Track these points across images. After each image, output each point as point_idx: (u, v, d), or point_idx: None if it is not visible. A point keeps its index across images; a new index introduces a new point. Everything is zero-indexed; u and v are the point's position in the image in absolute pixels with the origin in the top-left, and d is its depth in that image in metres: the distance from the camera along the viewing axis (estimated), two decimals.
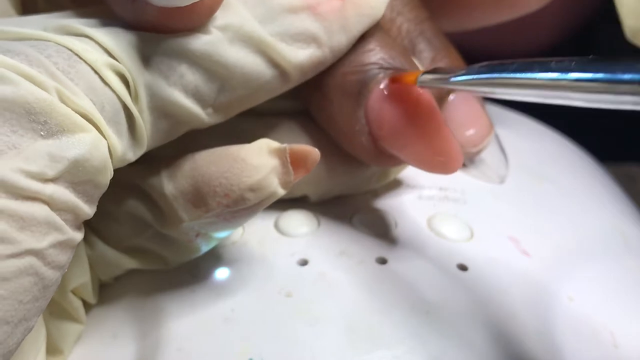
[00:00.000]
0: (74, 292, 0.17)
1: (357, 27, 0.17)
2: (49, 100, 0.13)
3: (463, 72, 0.15)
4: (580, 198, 0.23)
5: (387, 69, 0.17)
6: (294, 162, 0.15)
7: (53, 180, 0.13)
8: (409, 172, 0.21)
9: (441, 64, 0.21)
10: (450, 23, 0.26)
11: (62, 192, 0.13)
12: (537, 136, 0.26)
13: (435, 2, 0.24)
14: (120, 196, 0.17)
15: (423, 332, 0.16)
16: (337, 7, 0.16)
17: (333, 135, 0.18)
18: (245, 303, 0.17)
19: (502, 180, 0.21)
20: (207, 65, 0.15)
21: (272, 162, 0.15)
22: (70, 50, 0.14)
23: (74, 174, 0.13)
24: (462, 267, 0.18)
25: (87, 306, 0.18)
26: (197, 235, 0.17)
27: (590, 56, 0.12)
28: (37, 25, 0.14)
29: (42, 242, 0.12)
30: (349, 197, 0.20)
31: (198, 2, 0.14)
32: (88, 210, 0.14)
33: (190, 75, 0.15)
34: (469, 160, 0.21)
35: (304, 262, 0.18)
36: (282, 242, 0.18)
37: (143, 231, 0.17)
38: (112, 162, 0.14)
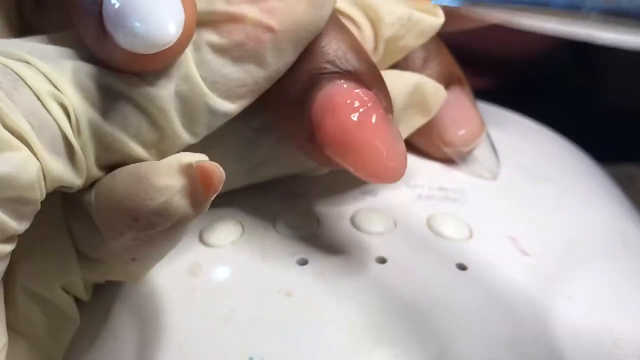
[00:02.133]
0: (65, 289, 0.17)
1: (295, 51, 0.16)
2: None
3: None
4: (580, 198, 0.23)
5: (332, 73, 0.16)
6: (203, 180, 0.13)
7: None
8: (409, 172, 0.21)
9: (432, 64, 0.21)
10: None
11: None
12: (536, 136, 0.26)
13: None
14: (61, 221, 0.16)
15: (423, 331, 0.16)
16: (268, 39, 0.15)
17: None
18: (245, 303, 0.17)
19: (494, 177, 0.21)
20: (150, 111, 0.15)
21: (180, 183, 0.13)
22: (17, 74, 0.14)
23: (0, 191, 0.13)
24: (462, 267, 0.18)
25: (88, 306, 0.18)
26: (134, 259, 0.16)
27: None
28: None
29: None
30: (348, 197, 0.20)
31: (164, 50, 0.14)
32: (16, 226, 0.14)
33: (133, 118, 0.15)
34: (460, 158, 0.21)
35: (303, 262, 0.18)
36: (282, 242, 0.18)
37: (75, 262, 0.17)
38: (45, 182, 0.14)
